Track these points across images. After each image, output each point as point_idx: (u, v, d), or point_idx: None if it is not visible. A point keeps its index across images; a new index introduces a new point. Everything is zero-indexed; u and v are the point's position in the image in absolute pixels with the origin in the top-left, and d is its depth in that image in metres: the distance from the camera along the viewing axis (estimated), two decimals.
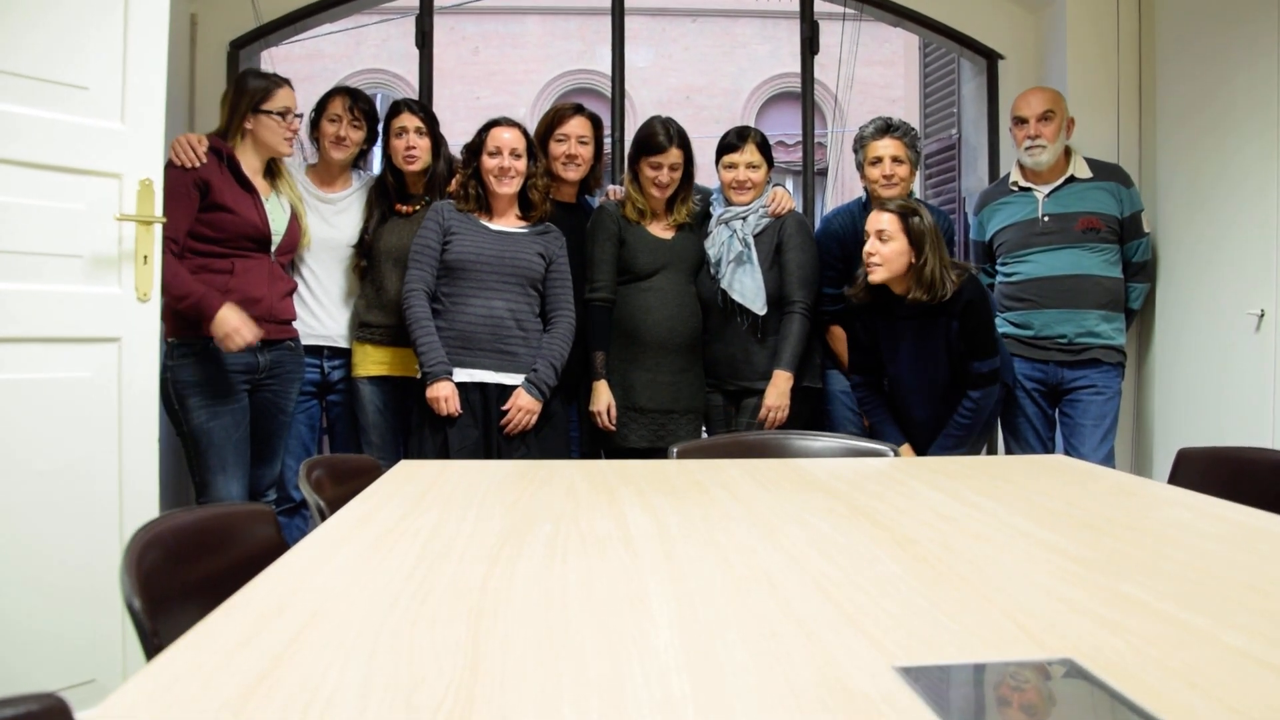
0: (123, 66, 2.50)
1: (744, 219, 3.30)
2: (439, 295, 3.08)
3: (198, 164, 2.91)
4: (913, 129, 3.45)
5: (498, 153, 3.09)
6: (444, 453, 3.01)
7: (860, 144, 3.47)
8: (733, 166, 3.33)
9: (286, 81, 3.16)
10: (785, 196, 3.39)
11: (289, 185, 3.19)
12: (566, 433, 3.29)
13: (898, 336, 3.13)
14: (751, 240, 3.27)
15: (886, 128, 3.41)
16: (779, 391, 3.22)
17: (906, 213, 3.01)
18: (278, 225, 3.09)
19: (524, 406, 3.04)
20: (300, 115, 3.12)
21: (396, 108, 3.37)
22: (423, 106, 3.42)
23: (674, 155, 3.27)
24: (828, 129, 13.02)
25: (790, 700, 0.84)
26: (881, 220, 3.03)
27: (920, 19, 4.47)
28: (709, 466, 2.15)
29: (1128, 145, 4.04)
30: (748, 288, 3.24)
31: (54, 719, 0.83)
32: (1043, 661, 0.95)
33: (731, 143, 3.35)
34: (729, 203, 3.36)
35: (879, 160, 3.38)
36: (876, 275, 3.03)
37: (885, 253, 3.00)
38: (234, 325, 2.82)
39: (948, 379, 3.10)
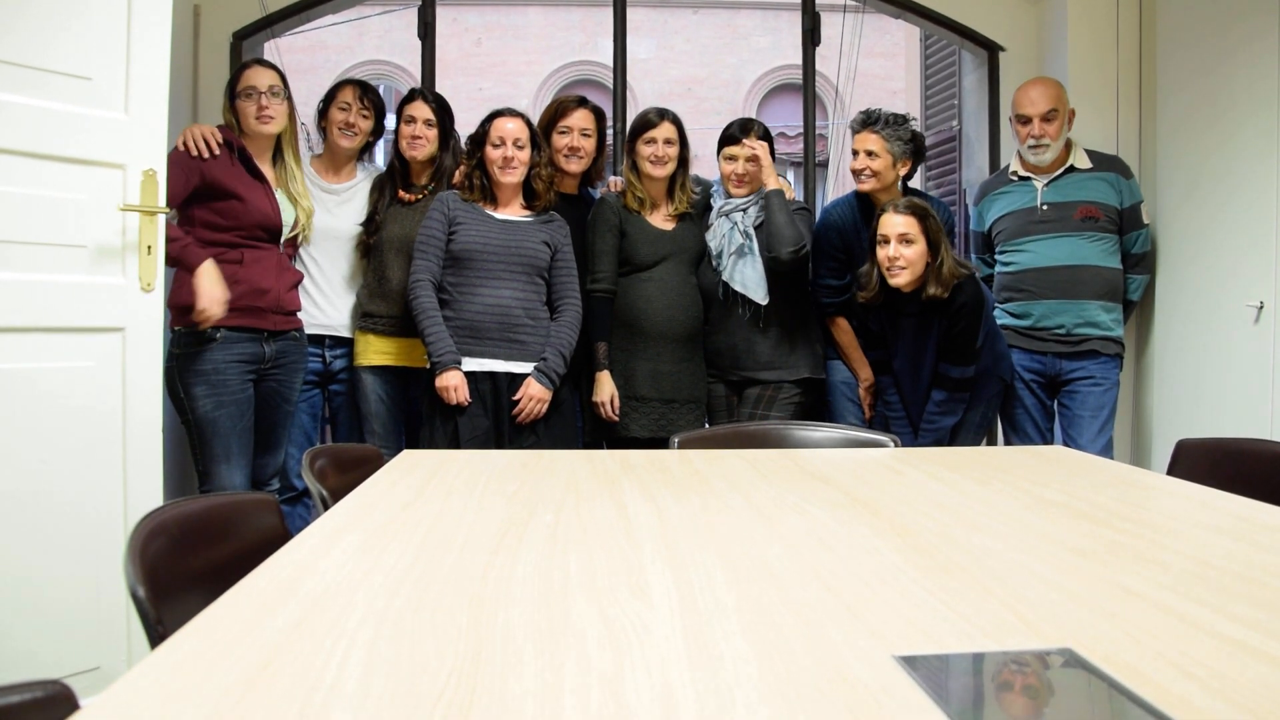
0: (126, 57, 2.49)
1: (744, 210, 3.31)
2: (446, 285, 3.09)
3: (207, 155, 2.93)
4: (896, 118, 3.38)
5: (501, 143, 3.09)
6: (454, 442, 3.02)
7: (852, 135, 3.49)
8: (733, 159, 3.34)
9: (259, 61, 3.17)
10: (785, 188, 3.39)
11: (291, 173, 3.19)
12: (575, 421, 3.30)
13: (898, 334, 3.14)
14: (753, 232, 3.27)
15: (866, 121, 3.39)
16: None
17: (923, 214, 3.02)
18: (287, 216, 3.11)
19: (535, 395, 3.05)
20: (276, 90, 3.10)
21: (411, 95, 3.40)
22: (437, 97, 3.42)
23: (666, 130, 3.28)
24: (829, 121, 13.01)
25: (790, 689, 0.84)
26: (900, 224, 3.01)
27: (922, 11, 4.46)
28: (710, 457, 2.16)
29: (1128, 137, 4.04)
30: (750, 278, 3.24)
31: (59, 705, 0.84)
32: (1041, 651, 0.95)
33: (733, 135, 3.36)
34: (729, 195, 3.37)
35: (856, 153, 3.39)
36: (901, 279, 3.02)
37: (909, 255, 2.99)
38: (213, 298, 2.82)
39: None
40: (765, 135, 3.37)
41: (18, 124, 2.34)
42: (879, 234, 3.06)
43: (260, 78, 3.09)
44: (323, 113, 3.39)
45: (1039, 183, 3.56)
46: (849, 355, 3.45)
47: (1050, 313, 3.49)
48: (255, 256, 3.01)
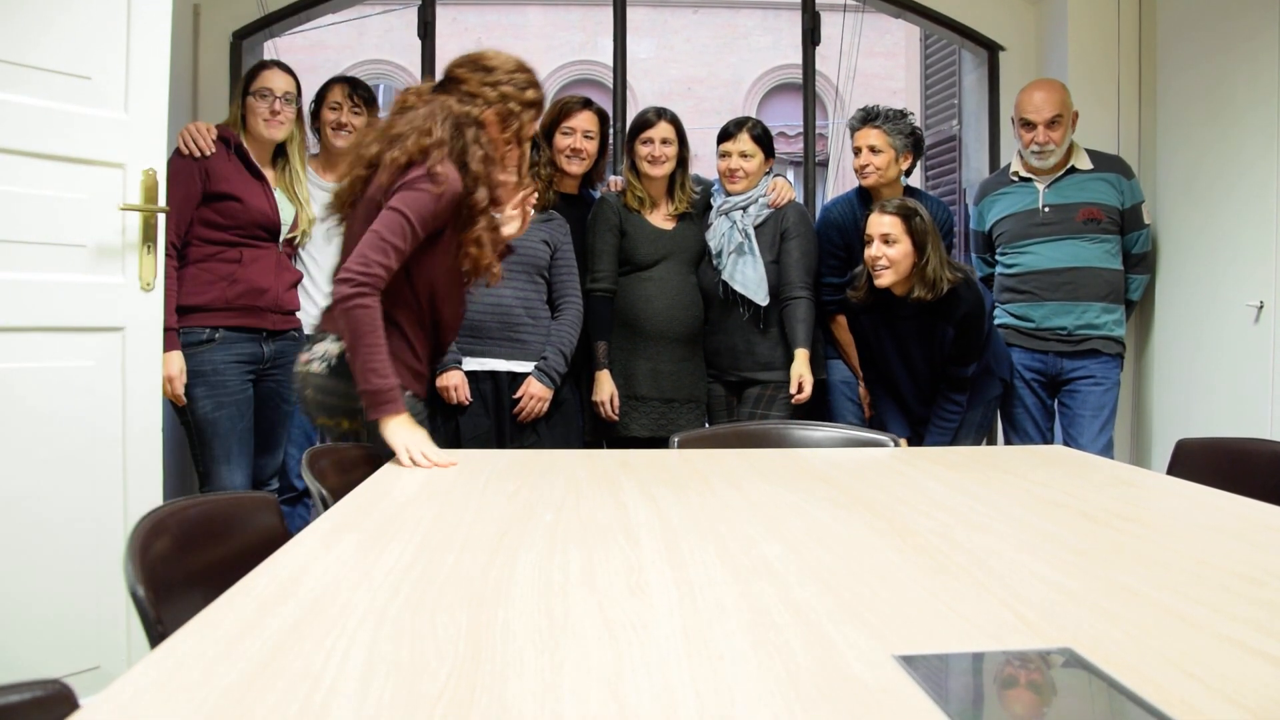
0: (125, 57, 2.50)
1: (744, 209, 3.31)
2: None
3: (208, 152, 2.93)
4: (897, 114, 3.42)
5: None
6: (455, 442, 3.01)
7: (850, 132, 3.50)
8: (726, 155, 3.35)
9: (277, 64, 3.16)
10: (785, 187, 3.40)
11: (296, 175, 3.19)
12: (577, 420, 3.30)
13: (896, 337, 3.14)
14: (752, 231, 3.27)
15: (866, 118, 3.42)
16: (803, 371, 3.22)
17: (908, 214, 3.02)
18: (286, 215, 3.11)
19: (536, 394, 3.05)
20: (290, 97, 3.12)
21: None
22: None
23: (663, 129, 3.28)
24: (829, 120, 13.01)
25: (790, 689, 0.84)
26: (884, 224, 3.02)
27: (922, 10, 4.46)
28: (710, 456, 2.16)
29: (1128, 137, 4.04)
30: (749, 278, 3.24)
31: (58, 705, 0.84)
32: (1042, 651, 0.95)
33: (728, 131, 3.37)
34: (726, 192, 3.37)
35: (859, 150, 3.41)
36: (885, 279, 3.02)
37: (892, 255, 3.00)
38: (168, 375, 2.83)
39: (938, 379, 3.12)
40: (763, 133, 3.37)
41: (17, 123, 2.34)
42: (867, 232, 3.08)
43: (277, 81, 3.10)
44: (315, 114, 3.38)
45: (1040, 184, 3.55)
46: (850, 354, 3.45)
47: (1052, 315, 3.49)
48: (254, 255, 3.01)
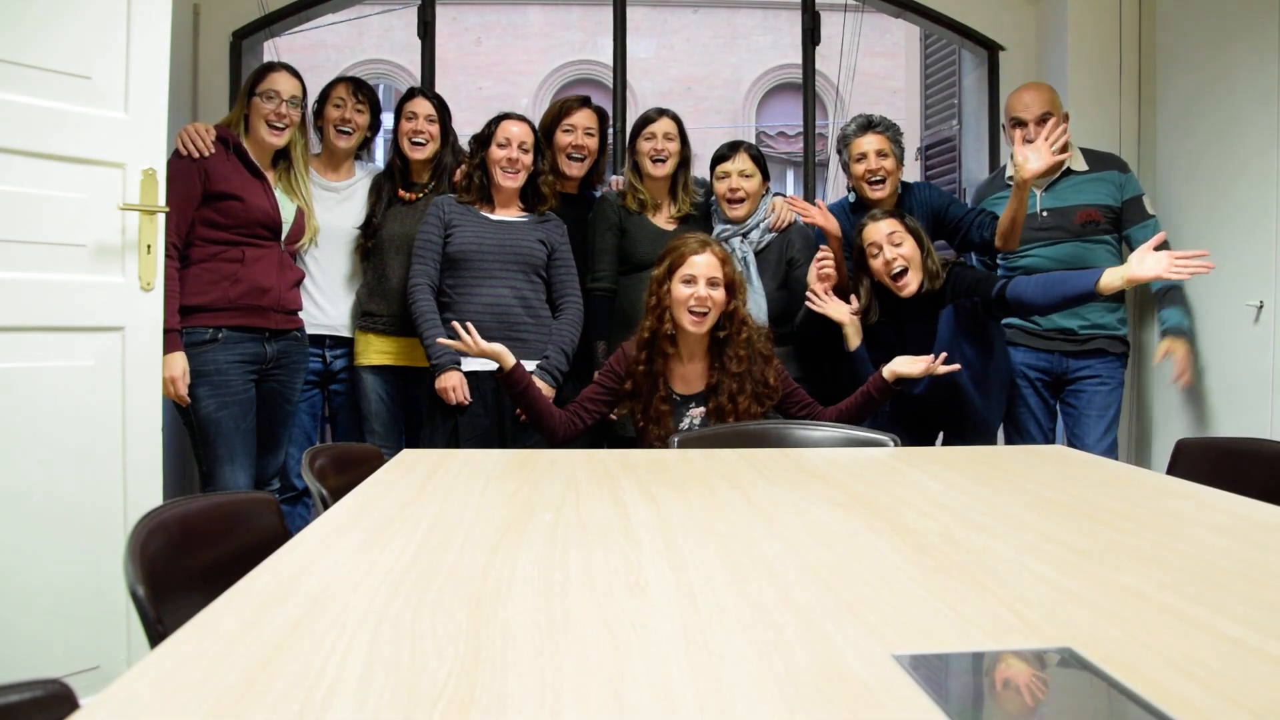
0: (125, 56, 2.49)
1: (744, 235, 3.27)
2: (445, 288, 3.09)
3: (206, 153, 2.93)
4: (895, 125, 3.38)
5: (507, 144, 3.10)
6: (454, 441, 3.02)
7: (844, 143, 3.41)
8: (725, 176, 3.27)
9: (287, 68, 3.16)
10: (785, 209, 3.35)
11: (299, 178, 3.20)
12: None
13: (904, 348, 3.06)
14: (751, 258, 3.23)
15: (868, 124, 3.34)
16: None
17: (899, 214, 3.02)
18: (287, 214, 3.11)
19: None
20: (296, 101, 3.13)
21: (411, 93, 3.40)
22: (436, 96, 3.43)
23: (666, 124, 3.28)
24: (829, 120, 13.00)
25: (789, 688, 0.84)
26: (884, 227, 2.98)
27: (922, 10, 4.46)
28: (710, 456, 2.16)
29: (1128, 137, 4.04)
30: (750, 309, 3.19)
31: (58, 705, 0.84)
32: (1041, 650, 0.95)
33: (723, 153, 3.31)
34: (725, 218, 3.32)
35: (863, 156, 3.32)
36: (911, 282, 2.96)
37: (906, 254, 2.96)
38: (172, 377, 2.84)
39: (974, 368, 3.08)
40: (757, 155, 3.33)
41: (17, 123, 2.34)
42: (867, 245, 3.01)
43: (284, 84, 3.10)
44: (318, 112, 3.39)
45: (1038, 188, 3.54)
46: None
47: (1055, 316, 3.47)
48: (256, 255, 3.00)
